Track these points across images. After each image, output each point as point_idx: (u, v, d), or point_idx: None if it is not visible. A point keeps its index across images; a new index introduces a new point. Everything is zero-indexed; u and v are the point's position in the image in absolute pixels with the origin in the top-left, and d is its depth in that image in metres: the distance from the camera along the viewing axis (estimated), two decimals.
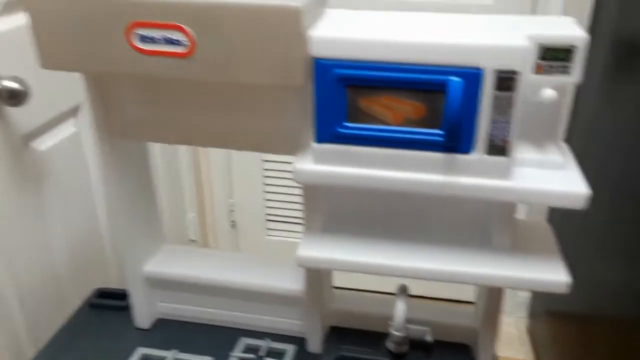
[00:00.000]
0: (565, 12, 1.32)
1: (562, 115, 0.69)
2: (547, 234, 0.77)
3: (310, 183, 0.68)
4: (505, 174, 0.62)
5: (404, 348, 0.79)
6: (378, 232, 0.75)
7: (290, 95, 0.67)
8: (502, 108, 0.59)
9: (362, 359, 0.84)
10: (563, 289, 0.68)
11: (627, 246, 1.02)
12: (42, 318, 1.00)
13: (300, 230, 1.84)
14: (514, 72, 0.56)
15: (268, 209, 1.84)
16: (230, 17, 0.57)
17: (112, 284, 1.21)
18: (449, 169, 0.63)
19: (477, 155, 0.62)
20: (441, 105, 0.60)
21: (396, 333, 0.76)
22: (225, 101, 0.70)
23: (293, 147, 0.70)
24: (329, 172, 0.66)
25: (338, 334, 0.88)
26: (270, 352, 0.85)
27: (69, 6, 0.60)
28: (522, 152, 0.66)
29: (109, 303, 0.96)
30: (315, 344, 0.86)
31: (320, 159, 0.66)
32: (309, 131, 0.66)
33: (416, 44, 0.58)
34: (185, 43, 0.59)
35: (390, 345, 0.81)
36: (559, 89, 0.62)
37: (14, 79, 0.79)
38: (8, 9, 0.86)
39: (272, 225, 1.87)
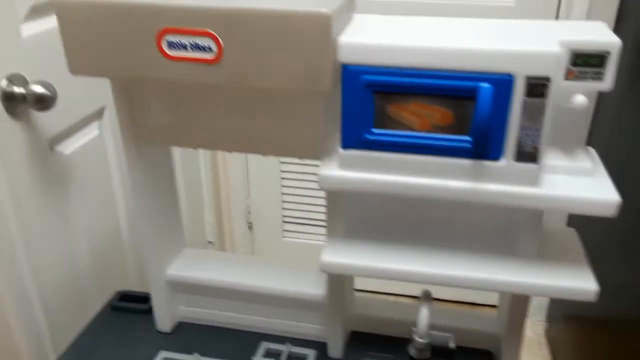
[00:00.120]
0: (590, 14, 1.31)
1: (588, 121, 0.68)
2: (573, 240, 0.76)
3: (335, 189, 0.68)
4: (534, 181, 0.61)
5: (426, 354, 0.79)
6: (401, 237, 0.75)
7: (316, 100, 0.67)
8: (533, 114, 0.58)
9: None
10: (591, 297, 0.67)
11: None
12: (63, 319, 1.01)
13: (317, 232, 1.85)
14: (545, 79, 0.56)
15: (285, 210, 1.84)
16: (260, 23, 0.57)
17: (132, 286, 1.22)
18: (477, 176, 0.62)
19: (506, 162, 0.61)
20: (470, 111, 0.59)
21: (419, 340, 0.76)
22: (250, 106, 0.70)
23: (318, 152, 0.70)
24: (355, 178, 0.65)
25: (359, 339, 0.88)
26: (291, 357, 0.85)
27: (100, 13, 0.60)
28: (551, 159, 0.65)
29: (131, 306, 0.96)
30: (336, 349, 0.85)
31: (346, 164, 0.66)
32: (335, 137, 0.66)
33: (446, 50, 0.57)
34: (214, 49, 0.59)
35: (412, 351, 0.80)
36: (587, 94, 0.62)
37: (42, 83, 0.80)
38: (34, 13, 0.86)
39: (288, 227, 1.88)
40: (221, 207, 1.84)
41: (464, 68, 0.57)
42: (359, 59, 0.59)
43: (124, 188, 1.14)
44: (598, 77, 0.59)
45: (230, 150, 0.74)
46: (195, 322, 0.92)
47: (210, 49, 0.60)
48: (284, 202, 1.83)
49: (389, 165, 0.64)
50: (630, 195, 1.07)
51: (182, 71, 0.61)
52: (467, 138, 0.61)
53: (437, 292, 0.79)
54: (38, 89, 0.79)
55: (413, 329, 0.78)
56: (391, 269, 0.71)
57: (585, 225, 1.04)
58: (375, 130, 0.63)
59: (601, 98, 1.29)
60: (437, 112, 0.61)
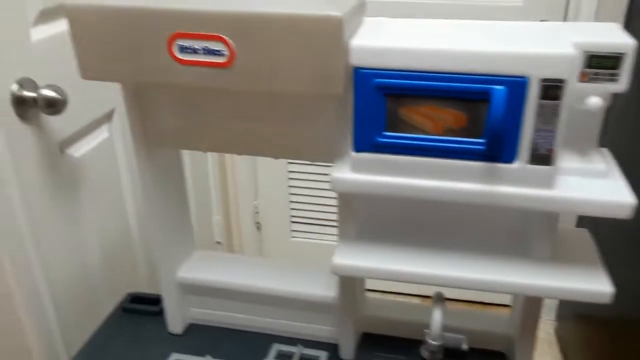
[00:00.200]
0: (598, 13, 1.30)
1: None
2: (587, 241, 0.76)
3: (348, 192, 0.68)
4: (549, 183, 0.61)
5: (439, 356, 0.79)
6: (413, 239, 0.75)
7: (327, 103, 0.67)
8: (547, 117, 0.57)
9: None
10: (606, 299, 0.67)
11: None
12: (74, 319, 1.01)
13: (325, 232, 1.85)
14: (560, 81, 0.55)
15: (292, 210, 1.84)
16: (271, 26, 0.57)
17: (142, 286, 1.22)
18: (490, 179, 0.62)
19: (520, 165, 0.61)
20: (483, 114, 0.59)
21: (433, 342, 0.76)
22: (261, 109, 0.70)
23: (329, 155, 0.70)
24: (368, 181, 0.65)
25: (371, 341, 0.88)
26: (303, 359, 0.85)
27: (111, 18, 0.60)
28: (564, 160, 0.64)
29: (142, 308, 0.96)
30: (348, 351, 0.85)
31: (358, 167, 0.65)
32: (347, 140, 0.66)
33: (459, 52, 0.57)
34: (225, 53, 0.59)
35: (424, 353, 0.80)
36: (601, 95, 0.61)
37: (52, 87, 0.80)
38: (43, 17, 0.86)
39: (296, 226, 1.88)
40: (229, 207, 1.84)
41: (478, 71, 0.57)
42: (371, 62, 0.59)
43: (133, 190, 1.14)
44: (612, 78, 0.58)
45: (240, 153, 0.74)
46: (207, 323, 0.93)
47: (221, 53, 0.59)
48: (292, 202, 1.83)
49: (402, 168, 0.63)
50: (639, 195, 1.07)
51: (194, 75, 0.61)
52: (481, 141, 0.60)
53: (447, 291, 0.78)
54: (49, 93, 0.79)
55: (426, 330, 0.78)
56: (403, 271, 0.71)
57: (594, 223, 1.03)
58: (387, 133, 0.62)
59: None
60: (450, 114, 0.60)
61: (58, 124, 0.90)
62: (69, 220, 0.97)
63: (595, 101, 0.60)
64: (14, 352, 0.91)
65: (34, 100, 0.80)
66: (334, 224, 1.85)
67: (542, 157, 0.60)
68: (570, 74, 0.55)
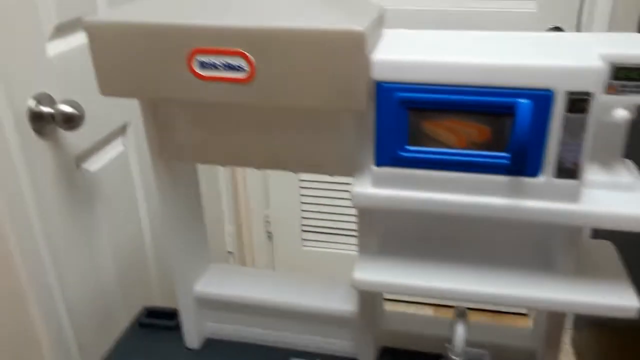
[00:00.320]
0: (612, 20, 1.29)
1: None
2: (611, 253, 0.75)
3: (369, 207, 0.67)
4: (574, 197, 0.60)
5: None
6: (434, 253, 0.74)
7: (348, 117, 0.66)
8: (573, 130, 0.56)
9: None
10: (633, 314, 0.65)
11: None
12: (91, 335, 1.01)
13: (337, 241, 1.84)
14: (587, 94, 0.54)
15: (304, 219, 1.84)
16: (293, 41, 0.57)
17: (156, 301, 1.22)
18: (515, 193, 0.61)
19: (545, 179, 0.60)
20: (508, 127, 0.58)
21: (455, 358, 0.74)
22: (280, 123, 0.69)
23: (349, 169, 0.69)
24: (390, 196, 0.64)
25: (390, 355, 0.87)
26: None
27: (130, 33, 0.60)
28: (589, 173, 0.63)
29: (158, 322, 0.96)
30: None
31: (379, 182, 0.65)
32: (367, 153, 0.65)
33: (484, 65, 0.56)
34: (246, 68, 0.59)
35: None
36: (627, 107, 0.60)
37: (70, 102, 0.80)
38: (58, 32, 0.86)
39: (307, 236, 1.87)
40: (240, 217, 1.83)
41: (503, 84, 0.56)
42: (394, 76, 0.58)
43: (147, 203, 1.14)
44: (639, 90, 0.57)
45: (259, 167, 0.74)
46: (224, 338, 0.92)
47: (242, 68, 0.59)
48: (303, 211, 1.82)
49: (424, 182, 0.63)
50: None
51: (214, 91, 0.61)
52: (505, 154, 0.59)
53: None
54: (66, 108, 0.79)
55: (447, 345, 0.77)
56: (425, 287, 0.70)
57: (610, 233, 1.02)
58: (410, 147, 0.62)
59: None
60: (474, 128, 0.59)
61: (74, 139, 0.90)
62: (85, 235, 0.97)
63: (622, 114, 0.59)
64: None
65: (51, 116, 0.80)
66: (346, 232, 1.84)
67: (568, 170, 0.59)
68: (597, 87, 0.54)
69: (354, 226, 1.80)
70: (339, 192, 1.76)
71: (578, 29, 1.36)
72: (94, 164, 0.98)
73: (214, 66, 0.59)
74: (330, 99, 0.59)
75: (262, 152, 0.72)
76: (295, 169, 0.72)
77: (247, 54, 0.58)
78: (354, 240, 1.83)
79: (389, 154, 0.62)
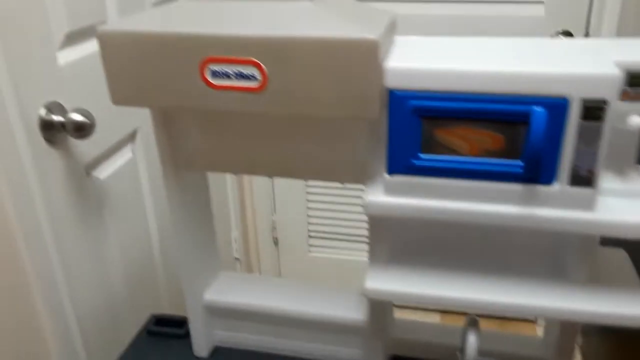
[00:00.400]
0: (620, 24, 1.29)
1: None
2: (624, 261, 0.74)
3: (381, 215, 0.66)
4: (589, 205, 0.59)
5: None
6: (444, 262, 0.73)
7: (359, 125, 0.66)
8: (588, 138, 0.56)
9: None
10: None
11: None
12: (99, 342, 1.00)
13: (343, 247, 1.83)
14: (603, 102, 0.54)
15: (310, 225, 1.83)
16: (305, 50, 0.56)
17: (163, 308, 1.21)
18: (529, 201, 0.60)
19: (560, 187, 0.59)
20: (522, 135, 0.58)
21: None
22: (291, 131, 0.69)
23: (361, 177, 0.68)
24: (402, 204, 0.64)
25: None
26: None
27: (143, 43, 0.60)
28: (603, 181, 0.63)
29: (167, 330, 0.95)
30: None
31: (392, 190, 0.64)
32: (379, 161, 0.65)
33: (498, 73, 0.56)
34: (258, 77, 0.59)
35: None
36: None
37: (81, 111, 0.80)
38: (68, 41, 0.87)
39: (314, 241, 1.87)
40: (247, 223, 1.83)
41: (517, 92, 0.56)
42: (407, 84, 0.58)
43: (156, 210, 1.14)
44: None
45: (270, 175, 0.74)
46: (233, 346, 0.91)
47: (254, 77, 0.59)
48: (310, 216, 1.82)
49: (437, 190, 0.62)
50: None
51: (226, 100, 0.61)
52: (519, 162, 0.59)
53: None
54: (77, 117, 0.79)
55: (457, 353, 0.76)
56: (438, 296, 0.69)
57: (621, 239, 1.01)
58: (423, 156, 0.61)
59: None
60: (487, 136, 0.59)
61: (84, 147, 0.90)
62: (94, 242, 0.97)
63: (636, 120, 0.58)
64: None
65: (62, 125, 0.80)
66: (352, 239, 1.84)
67: (583, 178, 0.58)
68: (613, 94, 0.54)
69: (360, 232, 1.80)
70: (346, 198, 1.76)
71: (586, 33, 1.36)
72: (104, 172, 0.98)
73: (226, 75, 0.59)
74: (343, 107, 0.59)
75: (274, 161, 0.72)
76: (307, 177, 0.72)
77: (260, 62, 0.58)
78: (360, 247, 1.82)
79: (402, 162, 0.62)
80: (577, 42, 0.63)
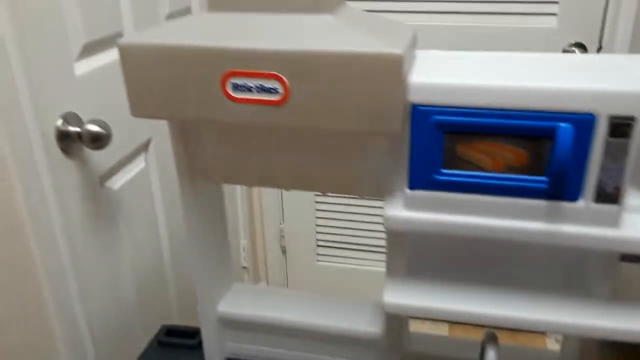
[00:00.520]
0: (634, 36, 1.28)
1: None
2: None
3: (401, 230, 0.66)
4: (615, 222, 0.59)
5: None
6: (463, 276, 0.72)
7: (380, 139, 0.65)
8: (615, 155, 0.55)
9: None
10: None
11: None
12: (110, 350, 1.00)
13: (351, 256, 1.82)
14: (631, 118, 0.53)
15: (319, 234, 1.83)
16: (329, 64, 0.56)
17: (174, 318, 1.21)
18: (552, 217, 0.60)
19: (585, 203, 0.58)
20: (546, 151, 0.57)
21: None
22: (310, 144, 0.69)
23: (380, 191, 0.68)
24: (424, 219, 0.63)
25: None
26: None
27: (164, 55, 0.60)
28: (629, 198, 0.62)
29: (179, 342, 0.95)
30: None
31: (412, 205, 0.64)
32: (400, 176, 0.64)
33: (523, 89, 0.55)
34: (280, 91, 0.58)
35: None
36: None
37: (97, 122, 0.80)
38: (85, 51, 0.86)
39: (322, 250, 1.86)
40: (255, 231, 1.83)
41: (543, 108, 0.55)
42: (431, 99, 0.57)
43: (167, 219, 1.13)
44: None
45: (288, 188, 0.73)
46: (245, 358, 0.90)
47: (276, 90, 0.58)
48: (318, 225, 1.81)
49: (459, 206, 0.62)
50: None
51: (247, 113, 0.60)
52: (543, 178, 0.58)
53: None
54: (94, 128, 0.79)
55: None
56: (458, 310, 0.68)
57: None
58: (445, 171, 0.61)
59: None
60: (511, 152, 0.58)
61: (99, 157, 0.89)
62: (107, 253, 0.97)
63: None
64: None
65: (78, 135, 0.79)
66: (361, 248, 1.83)
67: (609, 195, 0.58)
68: None
69: (369, 242, 1.79)
70: (355, 208, 1.75)
71: (599, 45, 1.35)
72: (118, 182, 0.97)
73: (247, 88, 0.59)
74: (365, 121, 0.58)
75: (292, 173, 0.71)
76: (325, 190, 0.72)
77: (282, 76, 0.58)
78: (369, 256, 1.82)
79: (424, 177, 0.61)
80: (598, 58, 0.62)
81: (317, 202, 1.77)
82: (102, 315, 0.97)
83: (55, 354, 0.88)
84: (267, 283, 1.92)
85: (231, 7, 0.62)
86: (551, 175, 0.57)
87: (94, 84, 0.87)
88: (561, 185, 0.58)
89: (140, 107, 0.63)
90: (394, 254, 0.73)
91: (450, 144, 0.60)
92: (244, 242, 1.76)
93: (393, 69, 0.55)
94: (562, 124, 0.55)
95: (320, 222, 1.81)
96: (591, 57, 0.63)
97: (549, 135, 0.56)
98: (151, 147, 1.06)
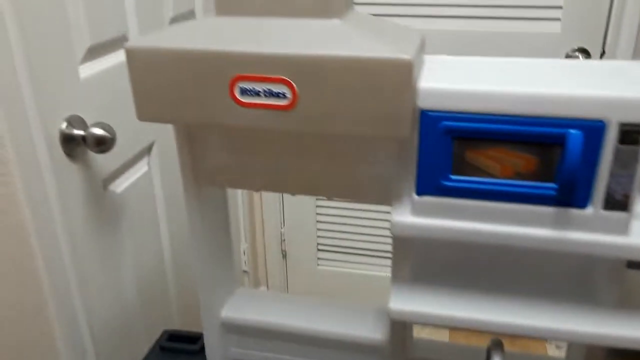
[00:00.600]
0: (638, 41, 1.28)
1: None
2: None
3: (408, 236, 0.65)
4: (624, 229, 0.58)
5: None
6: (468, 283, 0.72)
7: (387, 144, 0.65)
8: (625, 162, 0.55)
9: None
10: None
11: None
12: (111, 354, 0.99)
13: (352, 260, 1.82)
14: None
15: (319, 238, 1.82)
16: (338, 69, 0.56)
17: (174, 322, 1.20)
18: (561, 224, 0.59)
19: (593, 210, 0.58)
20: (555, 157, 0.57)
21: None
22: (317, 149, 0.68)
23: (387, 197, 0.67)
24: (430, 225, 0.63)
25: None
26: None
27: (172, 59, 0.59)
28: (637, 205, 0.62)
29: (181, 347, 0.94)
30: None
31: (420, 211, 0.63)
32: (407, 182, 0.64)
33: (533, 95, 0.55)
34: (288, 96, 0.58)
35: None
36: None
37: (101, 125, 0.79)
38: (90, 55, 0.86)
39: (323, 255, 1.85)
40: (255, 235, 1.82)
41: (553, 114, 0.55)
42: (440, 105, 0.57)
43: (169, 223, 1.13)
44: None
45: (294, 193, 0.72)
46: None
47: (284, 95, 0.58)
48: (319, 229, 1.81)
49: (468, 212, 0.61)
50: None
51: (254, 118, 0.60)
52: (552, 185, 0.58)
53: None
54: (98, 131, 0.78)
55: None
56: (463, 318, 0.68)
57: None
58: (454, 177, 0.60)
59: None
60: (520, 158, 0.58)
61: (103, 161, 0.89)
62: (109, 257, 0.96)
63: None
64: None
65: (82, 139, 0.79)
66: (362, 252, 1.83)
67: (618, 202, 0.57)
68: None
69: (369, 246, 1.78)
70: (356, 212, 1.75)
71: (603, 50, 1.35)
72: (121, 186, 0.97)
73: (255, 93, 0.58)
74: (374, 126, 0.58)
75: (298, 178, 0.71)
76: (331, 196, 0.71)
77: (291, 81, 0.57)
78: (369, 260, 1.81)
79: (432, 183, 0.61)
80: (604, 64, 0.62)
81: (318, 206, 1.77)
82: (103, 318, 0.97)
83: (56, 356, 0.87)
84: (267, 287, 1.91)
85: (239, 11, 0.62)
86: (561, 182, 0.57)
87: (98, 87, 0.87)
88: (570, 192, 0.57)
89: (147, 111, 0.63)
90: (399, 260, 0.73)
91: (459, 149, 0.59)
92: (244, 245, 1.75)
93: (403, 74, 0.55)
94: (572, 131, 0.54)
95: (321, 226, 1.80)
96: (597, 63, 0.63)
97: (559, 141, 0.55)
98: (154, 150, 1.05)
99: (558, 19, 1.35)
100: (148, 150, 1.04)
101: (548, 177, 0.58)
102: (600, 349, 0.74)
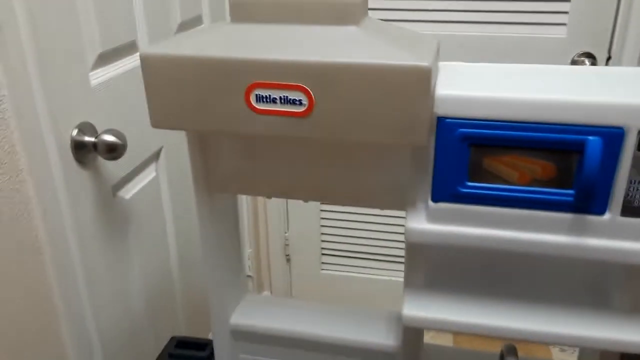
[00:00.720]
0: None
1: None
2: None
3: (424, 243, 0.65)
4: None
5: None
6: (482, 289, 0.72)
7: (402, 150, 0.65)
8: None
9: None
10: None
11: None
12: (119, 356, 0.99)
13: (356, 265, 1.81)
14: None
15: (323, 242, 1.82)
16: (355, 76, 0.55)
17: (181, 328, 1.19)
18: (578, 231, 0.59)
19: (611, 217, 0.58)
20: (573, 164, 0.57)
21: None
22: (331, 155, 0.68)
23: (402, 204, 0.67)
24: (446, 232, 0.63)
25: None
26: None
27: (187, 66, 0.59)
28: None
29: (190, 354, 0.94)
30: None
31: (435, 218, 0.63)
32: (422, 188, 0.63)
33: (552, 102, 0.55)
34: (305, 103, 0.58)
35: None
36: None
37: (112, 132, 0.79)
38: (100, 61, 0.86)
39: (326, 259, 1.85)
40: (259, 240, 1.82)
41: (571, 121, 0.55)
42: (457, 112, 0.57)
43: (176, 228, 1.12)
44: None
45: (306, 199, 0.72)
46: None
47: (301, 102, 0.58)
48: (323, 234, 1.80)
49: (484, 219, 0.61)
50: None
51: (270, 125, 0.60)
52: (570, 192, 0.58)
53: None
54: (109, 138, 0.78)
55: None
56: (477, 324, 0.68)
57: None
58: (470, 184, 0.60)
59: None
60: (538, 165, 0.58)
61: (113, 167, 0.88)
62: (118, 263, 0.96)
63: None
64: None
65: (93, 145, 0.79)
66: (366, 256, 1.82)
67: (636, 209, 0.57)
68: None
69: (374, 250, 1.78)
70: (360, 216, 1.75)
71: (609, 55, 1.35)
72: (129, 192, 0.97)
73: (271, 100, 0.58)
74: (390, 133, 0.58)
75: (311, 185, 0.70)
76: (344, 202, 0.71)
77: (307, 88, 0.57)
78: (374, 264, 1.81)
79: (448, 189, 0.61)
80: (620, 70, 0.62)
81: (322, 210, 1.76)
82: (112, 324, 0.96)
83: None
84: (271, 292, 1.90)
85: (254, 18, 0.61)
86: (579, 188, 0.57)
87: (109, 93, 0.86)
88: (588, 199, 0.57)
89: (162, 118, 0.63)
90: (413, 267, 0.72)
91: (475, 156, 0.59)
92: (248, 250, 1.75)
93: (421, 81, 0.54)
94: (591, 138, 0.54)
95: (325, 230, 1.80)
96: (610, 70, 0.63)
97: (577, 148, 0.55)
98: (162, 156, 1.05)
99: (564, 24, 1.35)
100: (156, 156, 1.04)
101: (565, 183, 0.58)
102: (613, 353, 0.74)
